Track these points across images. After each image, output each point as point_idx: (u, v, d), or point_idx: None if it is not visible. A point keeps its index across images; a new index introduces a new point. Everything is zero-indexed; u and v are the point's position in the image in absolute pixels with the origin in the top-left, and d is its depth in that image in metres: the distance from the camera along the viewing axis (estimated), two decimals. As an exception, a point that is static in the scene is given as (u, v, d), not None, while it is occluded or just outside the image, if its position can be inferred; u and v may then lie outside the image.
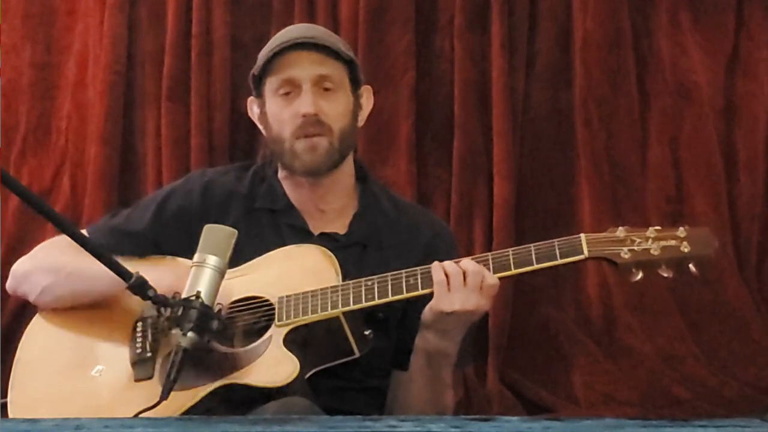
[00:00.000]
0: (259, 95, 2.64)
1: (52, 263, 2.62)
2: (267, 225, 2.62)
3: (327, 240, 2.59)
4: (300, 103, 2.56)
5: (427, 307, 2.42)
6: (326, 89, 2.58)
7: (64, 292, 2.59)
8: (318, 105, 2.56)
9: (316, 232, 2.62)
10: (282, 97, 2.58)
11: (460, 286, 2.38)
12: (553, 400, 3.40)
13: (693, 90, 3.58)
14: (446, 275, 2.39)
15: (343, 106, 2.61)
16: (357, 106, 2.65)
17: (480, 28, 3.52)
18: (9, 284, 2.69)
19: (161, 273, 2.41)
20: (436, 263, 2.42)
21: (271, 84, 2.60)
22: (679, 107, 3.58)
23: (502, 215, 3.46)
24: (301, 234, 2.60)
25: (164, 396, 2.19)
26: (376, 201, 2.67)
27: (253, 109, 2.69)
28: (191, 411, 2.36)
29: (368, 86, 2.69)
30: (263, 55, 2.60)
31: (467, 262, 2.41)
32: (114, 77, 3.49)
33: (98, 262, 2.40)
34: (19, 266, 2.68)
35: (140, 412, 2.23)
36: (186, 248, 2.46)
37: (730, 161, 3.58)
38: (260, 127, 2.69)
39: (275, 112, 2.60)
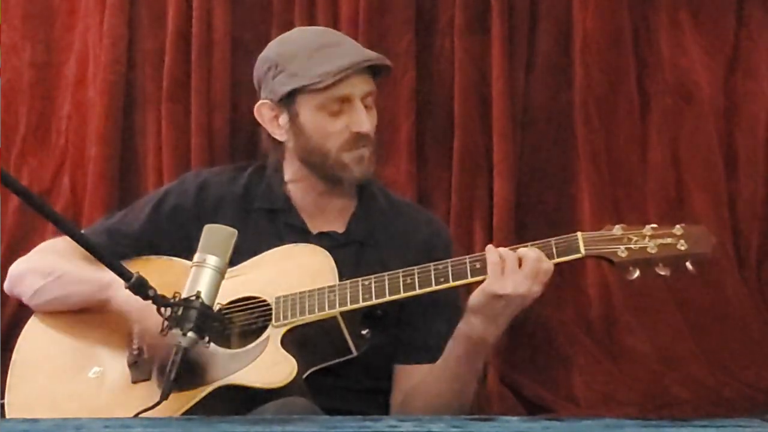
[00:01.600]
0: (289, 104, 2.59)
1: (45, 266, 2.62)
2: (265, 225, 2.62)
3: (325, 239, 2.59)
4: (353, 120, 2.55)
5: (478, 290, 2.40)
6: (368, 105, 2.59)
7: (55, 295, 2.60)
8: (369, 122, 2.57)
9: (314, 231, 2.62)
10: (330, 112, 2.57)
11: (514, 269, 2.37)
12: (553, 400, 3.39)
13: (693, 90, 3.58)
14: (501, 258, 2.38)
15: (377, 118, 2.62)
16: None
17: (480, 28, 3.52)
18: (6, 285, 2.70)
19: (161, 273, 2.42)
20: (490, 246, 2.42)
21: (316, 98, 2.55)
22: (679, 107, 3.58)
23: (502, 215, 3.46)
24: (300, 233, 2.61)
25: (164, 396, 2.19)
26: (374, 200, 2.67)
27: (265, 114, 2.64)
28: (191, 411, 2.36)
29: None
30: (323, 73, 2.52)
31: (525, 249, 2.40)
32: (114, 77, 3.49)
33: (87, 266, 2.42)
34: (15, 268, 2.69)
35: (140, 412, 2.23)
36: (182, 249, 2.48)
37: (730, 161, 3.58)
38: (277, 133, 2.63)
39: (320, 126, 2.57)
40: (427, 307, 2.55)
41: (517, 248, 2.41)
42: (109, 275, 2.42)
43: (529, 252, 2.39)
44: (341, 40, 2.68)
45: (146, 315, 2.34)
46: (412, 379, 2.56)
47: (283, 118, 2.61)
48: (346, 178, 2.60)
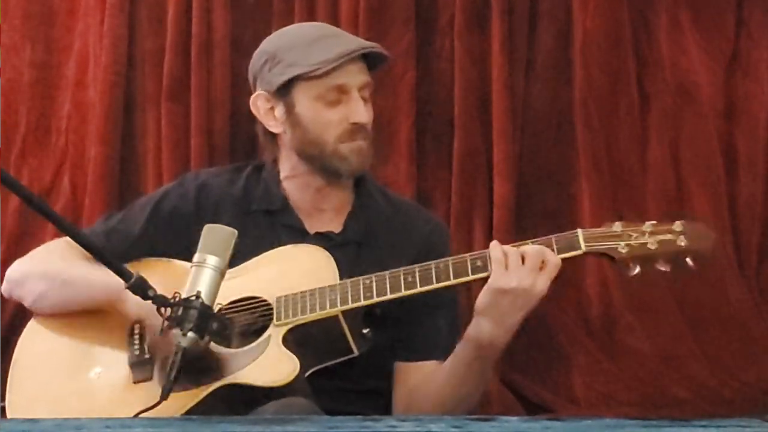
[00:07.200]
0: (285, 95, 2.61)
1: (47, 270, 2.62)
2: (263, 226, 2.62)
3: (322, 239, 2.59)
4: (350, 110, 2.57)
5: (484, 290, 2.41)
6: (365, 97, 2.59)
7: (58, 299, 2.59)
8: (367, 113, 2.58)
9: (311, 232, 2.62)
10: (327, 102, 2.57)
11: (518, 264, 2.38)
12: (553, 400, 3.39)
13: (693, 90, 3.58)
14: (504, 254, 2.39)
15: (374, 115, 2.63)
16: None
17: (480, 28, 3.52)
18: (3, 288, 2.69)
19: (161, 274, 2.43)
20: (494, 242, 2.43)
21: (313, 88, 2.57)
22: (679, 107, 3.58)
23: (502, 215, 3.46)
24: (297, 234, 2.61)
25: (165, 396, 2.20)
26: (372, 199, 2.68)
27: (261, 105, 2.65)
28: (191, 411, 2.36)
29: None
30: (321, 60, 2.54)
31: (527, 246, 2.41)
32: (114, 77, 3.49)
33: (93, 270, 2.42)
34: (14, 270, 2.68)
35: (141, 412, 2.23)
36: (180, 250, 2.47)
37: (730, 161, 3.58)
38: (272, 125, 2.64)
39: (317, 116, 2.58)
40: (426, 304, 2.55)
41: (520, 245, 2.42)
42: (117, 278, 2.42)
43: (532, 247, 2.40)
44: (339, 32, 2.72)
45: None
46: (415, 376, 2.56)
47: (279, 110, 2.62)
48: (344, 170, 2.60)
